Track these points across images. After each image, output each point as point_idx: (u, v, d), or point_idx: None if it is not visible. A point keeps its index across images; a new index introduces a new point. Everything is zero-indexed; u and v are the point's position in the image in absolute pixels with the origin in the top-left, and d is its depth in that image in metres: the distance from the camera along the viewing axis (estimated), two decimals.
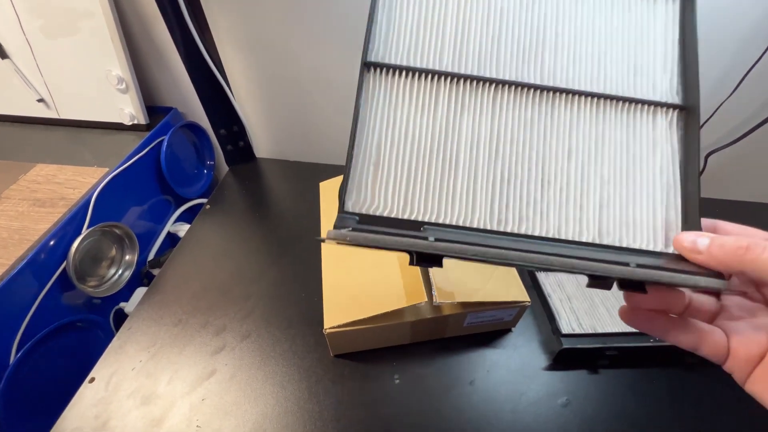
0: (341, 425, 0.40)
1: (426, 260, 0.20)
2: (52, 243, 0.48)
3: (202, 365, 0.45)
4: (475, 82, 0.24)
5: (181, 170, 0.70)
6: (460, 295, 0.40)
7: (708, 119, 0.60)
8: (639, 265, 0.20)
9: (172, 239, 0.69)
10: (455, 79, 0.24)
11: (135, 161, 0.59)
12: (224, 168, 0.73)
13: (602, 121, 0.24)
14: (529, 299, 0.43)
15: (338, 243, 0.20)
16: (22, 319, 0.44)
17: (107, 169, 0.55)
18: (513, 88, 0.24)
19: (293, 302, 0.51)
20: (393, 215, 0.22)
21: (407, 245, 0.20)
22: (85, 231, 0.50)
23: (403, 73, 0.24)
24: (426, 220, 0.22)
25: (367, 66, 0.24)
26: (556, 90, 0.24)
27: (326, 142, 0.74)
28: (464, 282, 0.41)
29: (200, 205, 0.72)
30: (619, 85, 0.25)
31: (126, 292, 0.58)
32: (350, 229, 0.20)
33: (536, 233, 0.22)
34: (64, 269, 0.48)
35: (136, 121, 0.64)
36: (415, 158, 0.23)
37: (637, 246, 0.22)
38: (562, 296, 0.48)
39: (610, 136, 0.24)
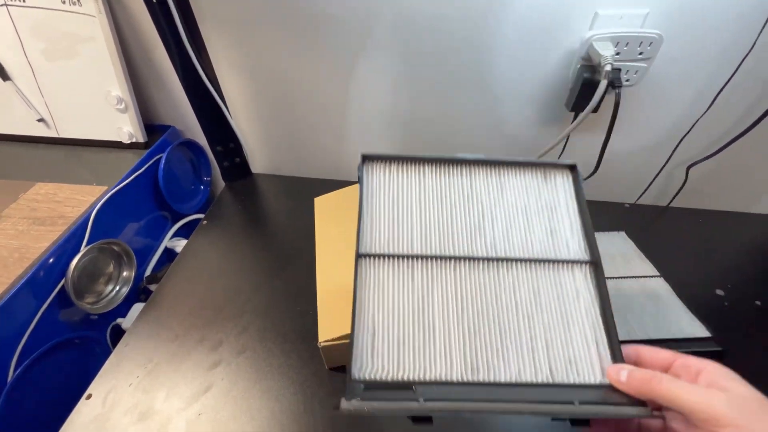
0: None
1: (421, 421, 0.25)
2: (51, 261, 0.49)
3: (199, 380, 0.46)
4: (439, 260, 0.31)
5: (179, 187, 0.72)
6: None
7: (687, 132, 0.62)
8: (582, 402, 0.25)
9: (169, 254, 0.70)
10: (424, 260, 0.31)
11: (133, 179, 0.60)
12: (221, 184, 0.75)
13: (536, 279, 0.31)
14: None
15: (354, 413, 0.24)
16: (20, 337, 0.45)
17: (106, 187, 0.57)
18: (468, 261, 0.31)
19: (288, 317, 0.52)
20: (389, 376, 0.26)
21: (406, 410, 0.24)
22: (83, 249, 0.50)
23: (385, 259, 0.31)
24: (415, 378, 0.26)
25: (360, 257, 0.30)
26: (499, 259, 0.31)
27: (321, 158, 0.76)
28: None
29: (197, 220, 0.73)
30: (543, 250, 0.32)
31: (123, 308, 0.58)
32: (359, 399, 0.24)
33: (503, 379, 0.27)
34: (63, 287, 0.49)
35: (134, 140, 0.65)
36: (401, 327, 0.28)
37: (582, 380, 0.27)
38: None
39: (544, 290, 0.30)
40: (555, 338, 0.28)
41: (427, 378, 0.26)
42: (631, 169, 0.70)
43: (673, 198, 0.70)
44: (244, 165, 0.74)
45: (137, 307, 0.58)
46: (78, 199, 0.54)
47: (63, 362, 0.49)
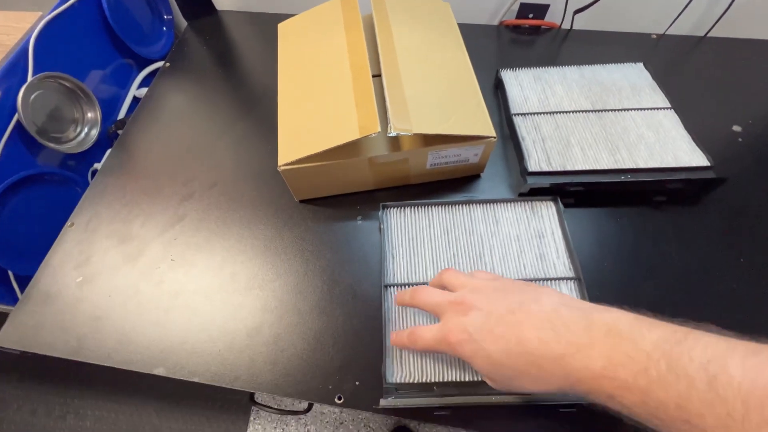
0: (305, 258, 0.42)
1: (439, 410, 0.33)
2: None
3: (172, 211, 0.47)
4: None
5: (136, 25, 0.64)
6: (418, 127, 0.37)
7: None
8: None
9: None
10: None
11: (73, 5, 0.52)
12: (183, 23, 0.66)
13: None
14: (495, 134, 0.40)
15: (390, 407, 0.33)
16: None
17: (41, 12, 0.50)
18: None
19: (258, 156, 0.50)
20: (414, 380, 0.32)
21: (429, 404, 0.33)
22: (30, 78, 0.47)
23: (405, 287, 0.36)
24: (435, 380, 0.32)
25: (385, 287, 0.37)
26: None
27: None
28: (425, 114, 0.38)
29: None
30: (534, 271, 0.37)
31: (99, 154, 0.58)
32: (393, 397, 0.33)
33: None
34: (19, 121, 0.47)
35: None
36: None
37: None
38: (537, 138, 0.45)
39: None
40: None
41: (445, 380, 0.32)
42: None
43: (715, 23, 0.58)
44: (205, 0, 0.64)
45: None
46: (12, 26, 0.48)
47: (43, 196, 0.51)
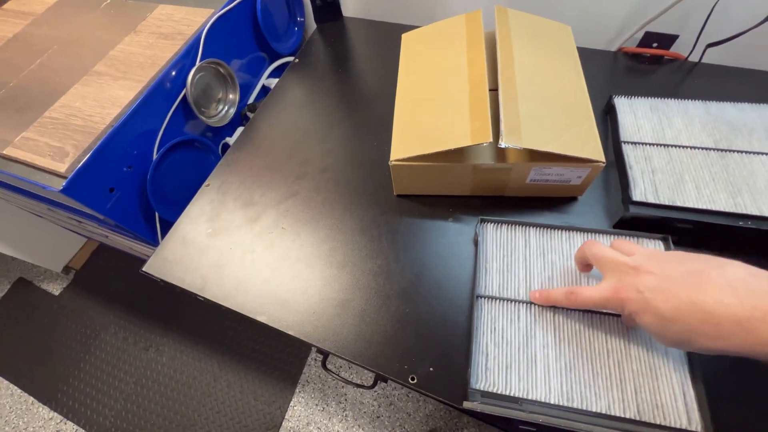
0: (396, 247, 0.46)
1: (524, 423, 0.33)
2: (173, 73, 0.56)
3: (287, 187, 0.53)
4: (541, 307, 0.37)
5: (274, 25, 0.73)
6: (528, 142, 0.39)
7: None
8: None
9: (266, 92, 0.76)
10: (528, 305, 0.37)
11: (236, 5, 0.63)
12: (313, 26, 0.75)
13: (627, 334, 0.35)
14: (604, 159, 0.40)
15: (473, 409, 0.34)
16: (159, 128, 0.56)
17: (213, 9, 0.61)
18: (565, 310, 0.36)
19: (365, 149, 0.56)
20: (498, 391, 0.33)
21: (515, 416, 0.32)
22: (198, 63, 0.57)
23: (496, 300, 0.38)
24: (519, 396, 0.33)
25: (477, 297, 0.38)
26: (592, 312, 0.36)
27: (412, 2, 0.69)
28: (536, 131, 0.40)
29: (290, 63, 0.76)
30: None
31: (230, 130, 0.68)
32: (479, 402, 0.33)
33: (593, 409, 0.32)
34: (185, 96, 0.58)
35: None
36: (509, 354, 0.35)
37: (668, 424, 0.31)
38: (646, 168, 0.44)
39: (634, 343, 0.34)
40: (643, 384, 0.32)
41: (530, 397, 0.33)
42: None
43: None
44: (335, 6, 0.71)
45: (240, 130, 0.67)
46: (191, 20, 0.60)
47: (188, 158, 0.61)
